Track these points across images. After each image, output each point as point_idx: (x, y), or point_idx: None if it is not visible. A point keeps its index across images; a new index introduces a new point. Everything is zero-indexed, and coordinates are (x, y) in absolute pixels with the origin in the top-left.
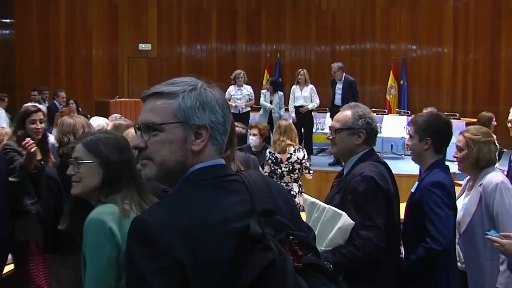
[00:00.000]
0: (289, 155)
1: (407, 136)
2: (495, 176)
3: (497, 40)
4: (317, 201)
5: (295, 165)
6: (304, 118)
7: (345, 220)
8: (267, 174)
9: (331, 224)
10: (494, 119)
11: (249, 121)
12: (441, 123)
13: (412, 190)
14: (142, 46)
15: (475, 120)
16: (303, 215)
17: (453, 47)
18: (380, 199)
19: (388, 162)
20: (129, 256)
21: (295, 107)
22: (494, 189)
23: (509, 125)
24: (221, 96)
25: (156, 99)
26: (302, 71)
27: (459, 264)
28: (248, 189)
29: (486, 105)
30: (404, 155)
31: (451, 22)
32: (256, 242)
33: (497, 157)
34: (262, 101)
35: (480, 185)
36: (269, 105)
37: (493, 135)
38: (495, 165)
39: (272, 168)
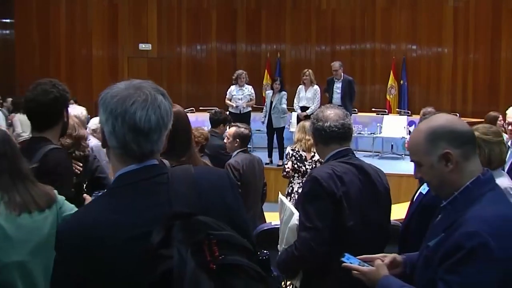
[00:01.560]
0: (313, 153)
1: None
2: (503, 181)
3: (497, 40)
4: (285, 200)
5: (317, 163)
6: (308, 117)
7: (293, 220)
8: (289, 170)
9: (287, 223)
10: (500, 119)
11: (250, 121)
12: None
13: (423, 191)
14: (142, 46)
15: (475, 120)
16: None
17: (453, 47)
18: (323, 201)
19: (388, 162)
20: None
21: (299, 107)
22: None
23: (509, 127)
24: (119, 98)
25: None
26: (307, 72)
27: None
28: (169, 190)
29: (486, 105)
30: (404, 155)
31: (451, 22)
32: (156, 250)
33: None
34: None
35: None
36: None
37: (503, 134)
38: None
39: (296, 165)
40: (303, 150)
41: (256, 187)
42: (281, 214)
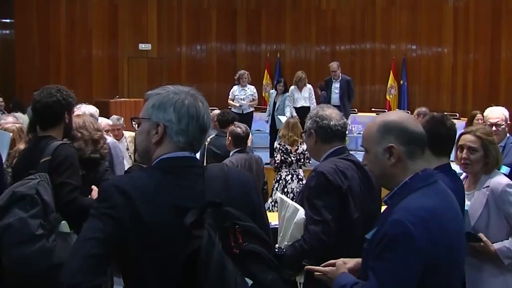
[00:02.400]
0: (296, 147)
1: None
2: (501, 178)
3: (497, 40)
4: (285, 198)
5: (300, 155)
6: (305, 116)
7: (299, 215)
8: (278, 161)
9: (291, 219)
10: (477, 118)
11: (252, 121)
12: None
13: None
14: (142, 46)
15: None
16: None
17: (453, 47)
18: (330, 194)
19: None
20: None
21: (295, 108)
22: (504, 189)
23: (493, 128)
24: (189, 104)
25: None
26: (302, 75)
27: None
28: (204, 182)
29: (486, 105)
30: None
31: (451, 22)
32: (190, 229)
33: None
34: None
35: (485, 187)
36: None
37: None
38: None
39: (283, 157)
40: (288, 144)
41: None
42: (281, 212)
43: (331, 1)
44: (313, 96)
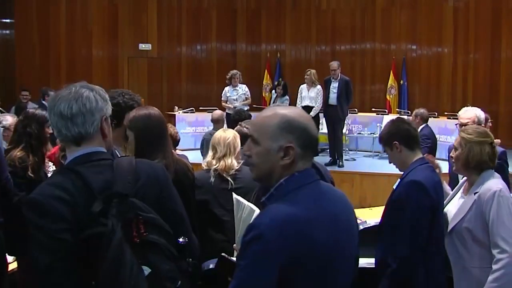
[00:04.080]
0: None
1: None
2: (494, 184)
3: (497, 40)
4: (241, 199)
5: None
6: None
7: (254, 217)
8: None
9: (247, 221)
10: (489, 120)
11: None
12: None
13: (394, 187)
14: (142, 46)
15: None
16: None
17: (453, 47)
18: None
19: (388, 162)
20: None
21: (301, 107)
22: (491, 197)
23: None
24: (53, 97)
25: None
26: (309, 71)
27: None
28: (113, 174)
29: (486, 105)
30: None
31: (451, 22)
32: (96, 217)
33: (489, 159)
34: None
35: (476, 193)
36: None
37: (491, 135)
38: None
39: None
40: None
41: None
42: (238, 213)
43: (331, 1)
44: (320, 98)
